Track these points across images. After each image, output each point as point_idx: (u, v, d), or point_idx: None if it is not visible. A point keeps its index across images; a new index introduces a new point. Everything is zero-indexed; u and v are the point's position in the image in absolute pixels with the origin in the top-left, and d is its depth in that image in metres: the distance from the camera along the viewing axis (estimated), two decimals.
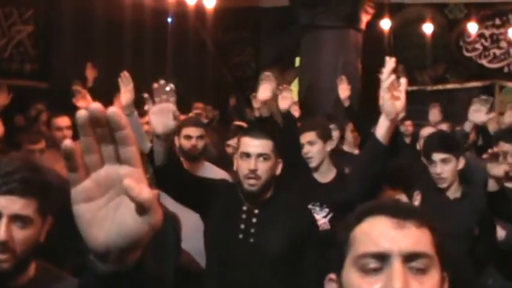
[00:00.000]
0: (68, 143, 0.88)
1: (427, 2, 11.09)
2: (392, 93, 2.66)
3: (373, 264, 1.20)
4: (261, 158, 3.08)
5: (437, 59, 10.77)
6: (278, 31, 11.53)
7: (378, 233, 1.23)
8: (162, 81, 3.02)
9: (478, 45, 11.13)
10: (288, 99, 4.95)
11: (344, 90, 5.88)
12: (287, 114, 4.91)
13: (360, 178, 2.90)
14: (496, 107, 10.97)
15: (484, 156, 3.29)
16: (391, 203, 1.35)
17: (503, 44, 10.99)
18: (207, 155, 5.19)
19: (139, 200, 0.86)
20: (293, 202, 3.26)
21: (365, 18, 10.20)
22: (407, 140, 7.12)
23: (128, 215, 0.88)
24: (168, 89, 2.92)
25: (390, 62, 2.69)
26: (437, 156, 3.69)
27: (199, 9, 10.15)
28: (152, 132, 2.98)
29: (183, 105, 9.55)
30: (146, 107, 3.02)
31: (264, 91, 4.78)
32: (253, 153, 3.08)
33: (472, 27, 10.83)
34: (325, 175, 4.25)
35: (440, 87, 10.53)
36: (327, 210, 4.09)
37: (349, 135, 6.43)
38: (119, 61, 8.39)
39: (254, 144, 3.10)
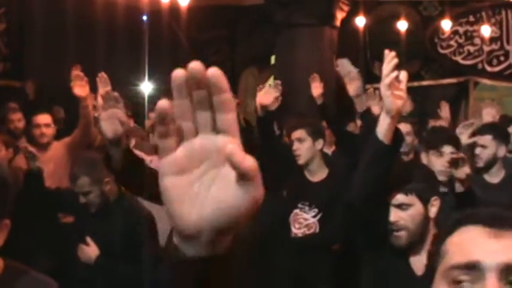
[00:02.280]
0: (163, 103, 0.81)
1: (402, 0, 11.13)
2: (393, 90, 2.58)
3: (463, 276, 1.10)
4: None
5: (412, 56, 10.82)
6: (254, 30, 11.50)
7: (471, 243, 1.13)
8: (109, 89, 3.07)
9: (452, 42, 11.21)
10: (272, 94, 4.89)
11: (316, 88, 5.86)
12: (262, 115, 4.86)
13: (360, 180, 2.76)
14: (470, 104, 11.07)
15: (446, 161, 3.35)
16: (486, 211, 1.21)
17: (477, 41, 11.07)
18: None
19: (244, 167, 0.77)
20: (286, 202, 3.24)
21: (340, 16, 10.21)
22: None
23: (227, 190, 0.79)
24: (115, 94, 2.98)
25: (391, 56, 2.62)
26: (448, 149, 3.83)
27: (174, 7, 10.09)
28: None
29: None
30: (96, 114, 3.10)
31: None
32: None
33: (446, 25, 10.90)
34: (316, 174, 4.25)
35: (415, 84, 10.57)
36: (316, 210, 4.10)
37: None
38: (93, 59, 8.33)
39: None
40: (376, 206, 2.69)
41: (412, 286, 2.64)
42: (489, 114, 6.62)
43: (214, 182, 0.81)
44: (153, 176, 2.74)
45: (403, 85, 2.63)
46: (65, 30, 10.03)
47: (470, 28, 11.14)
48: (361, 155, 2.75)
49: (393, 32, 10.79)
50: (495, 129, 4.56)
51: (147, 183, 2.96)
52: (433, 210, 2.71)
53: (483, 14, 11.03)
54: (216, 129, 0.81)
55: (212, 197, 0.80)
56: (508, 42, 10.98)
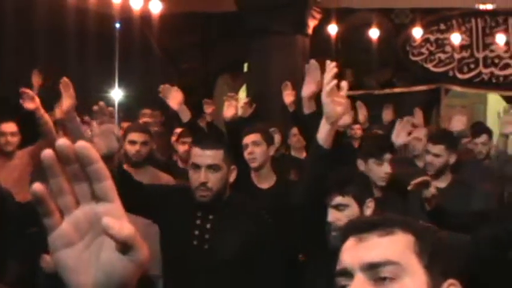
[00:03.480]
0: (37, 187, 0.81)
1: (374, 8, 11.18)
2: (334, 97, 2.72)
3: (343, 281, 1.20)
4: (211, 169, 3.04)
5: (384, 63, 10.88)
6: (227, 37, 11.47)
7: (343, 252, 1.24)
8: (102, 103, 3.04)
9: (423, 50, 11.29)
10: (233, 108, 4.94)
11: (288, 96, 5.86)
12: (230, 123, 4.88)
13: (303, 183, 2.94)
14: (441, 110, 11.16)
15: (410, 187, 3.39)
16: (357, 221, 1.35)
17: (447, 48, 11.17)
18: (153, 161, 5.14)
19: (120, 238, 0.79)
20: (248, 206, 3.24)
21: (312, 24, 10.24)
22: (356, 144, 7.15)
23: (113, 257, 0.82)
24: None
25: (331, 66, 2.77)
26: (387, 157, 3.90)
27: (146, 14, 10.02)
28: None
29: (130, 111, 9.43)
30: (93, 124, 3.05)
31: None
32: (203, 165, 3.04)
33: (418, 32, 10.98)
34: (265, 180, 4.27)
35: (387, 91, 10.63)
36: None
37: (292, 139, 6.48)
38: (63, 67, 8.23)
39: (204, 155, 3.06)
40: (316, 208, 2.83)
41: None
42: (459, 122, 6.69)
43: (102, 248, 0.84)
44: None
45: (343, 93, 2.80)
46: (35, 37, 9.90)
47: (441, 36, 11.24)
48: (304, 160, 2.95)
49: (365, 39, 10.84)
50: (447, 139, 4.65)
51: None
52: (368, 212, 2.87)
53: (454, 22, 11.15)
54: (95, 198, 0.83)
55: (102, 264, 0.83)
56: (478, 50, 11.09)
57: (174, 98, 4.72)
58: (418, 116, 7.12)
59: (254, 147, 4.25)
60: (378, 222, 1.25)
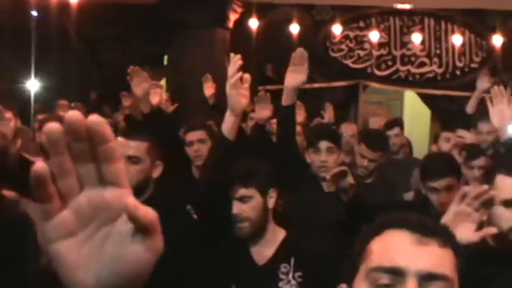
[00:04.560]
0: (40, 166, 0.70)
1: (295, 3, 11.27)
2: (238, 90, 2.80)
3: (385, 280, 1.12)
4: (131, 161, 3.02)
5: None
6: (147, 29, 11.32)
7: (395, 247, 1.15)
8: None
9: (343, 46, 11.45)
10: (158, 96, 4.87)
11: (209, 89, 5.86)
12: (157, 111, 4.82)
13: (209, 174, 2.99)
14: (360, 106, 11.36)
15: (330, 175, 3.40)
16: (414, 217, 1.23)
17: (366, 45, 11.36)
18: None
19: (146, 221, 0.70)
20: (171, 204, 3.21)
21: (233, 17, 10.24)
22: (274, 138, 7.18)
23: (124, 247, 0.72)
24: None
25: (235, 59, 2.84)
26: (323, 145, 3.81)
27: (64, 3, 9.77)
28: None
29: (47, 103, 9.18)
30: None
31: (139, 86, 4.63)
32: (124, 155, 2.99)
33: (337, 29, 11.13)
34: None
35: (307, 86, 10.73)
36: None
37: None
38: None
39: (126, 146, 3.04)
40: (221, 199, 2.86)
41: (253, 275, 2.85)
42: (375, 123, 6.88)
43: (108, 240, 0.73)
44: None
45: (246, 85, 2.87)
46: None
47: (360, 33, 11.43)
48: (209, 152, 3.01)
49: (286, 34, 10.90)
50: (384, 144, 4.79)
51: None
52: (271, 202, 2.92)
53: (373, 20, 11.35)
54: (103, 182, 0.73)
55: (109, 256, 0.72)
56: (395, 48, 11.34)
57: (140, 83, 4.54)
58: (329, 111, 7.21)
59: (200, 144, 4.24)
60: (437, 230, 1.19)
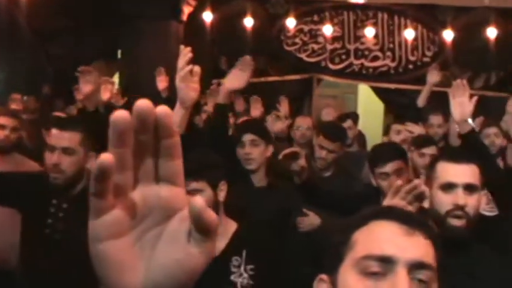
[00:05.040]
0: (106, 158, 0.64)
1: None
2: (188, 82, 2.82)
3: (375, 268, 1.15)
4: (66, 152, 2.98)
5: (258, 52, 10.97)
6: (101, 22, 11.18)
7: (385, 237, 1.19)
8: None
9: (297, 40, 11.48)
10: (108, 91, 4.87)
11: (162, 82, 5.84)
12: (107, 106, 4.82)
13: None
14: (313, 100, 11.42)
15: (281, 156, 3.43)
16: (400, 210, 1.31)
17: (320, 39, 11.41)
18: (21, 148, 5.02)
19: (211, 224, 0.67)
20: None
21: (187, 10, 10.18)
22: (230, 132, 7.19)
23: (179, 248, 0.67)
24: None
25: (185, 52, 2.84)
26: (247, 137, 3.86)
27: None
28: None
29: None
30: None
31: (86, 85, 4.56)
32: (58, 146, 2.97)
33: (292, 23, 11.15)
34: None
35: (262, 79, 10.73)
36: None
37: None
38: None
39: (60, 137, 3.00)
40: None
41: (210, 267, 2.75)
42: (329, 115, 6.94)
43: (159, 241, 0.69)
44: None
45: (196, 78, 2.88)
46: None
47: (314, 27, 11.46)
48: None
49: (240, 28, 10.89)
50: (342, 135, 4.87)
51: None
52: (221, 195, 2.92)
53: (326, 14, 11.40)
54: (157, 179, 0.69)
55: (161, 258, 0.68)
56: (349, 42, 11.41)
57: (88, 82, 4.45)
58: (284, 105, 7.25)
59: None
60: (422, 222, 1.24)
